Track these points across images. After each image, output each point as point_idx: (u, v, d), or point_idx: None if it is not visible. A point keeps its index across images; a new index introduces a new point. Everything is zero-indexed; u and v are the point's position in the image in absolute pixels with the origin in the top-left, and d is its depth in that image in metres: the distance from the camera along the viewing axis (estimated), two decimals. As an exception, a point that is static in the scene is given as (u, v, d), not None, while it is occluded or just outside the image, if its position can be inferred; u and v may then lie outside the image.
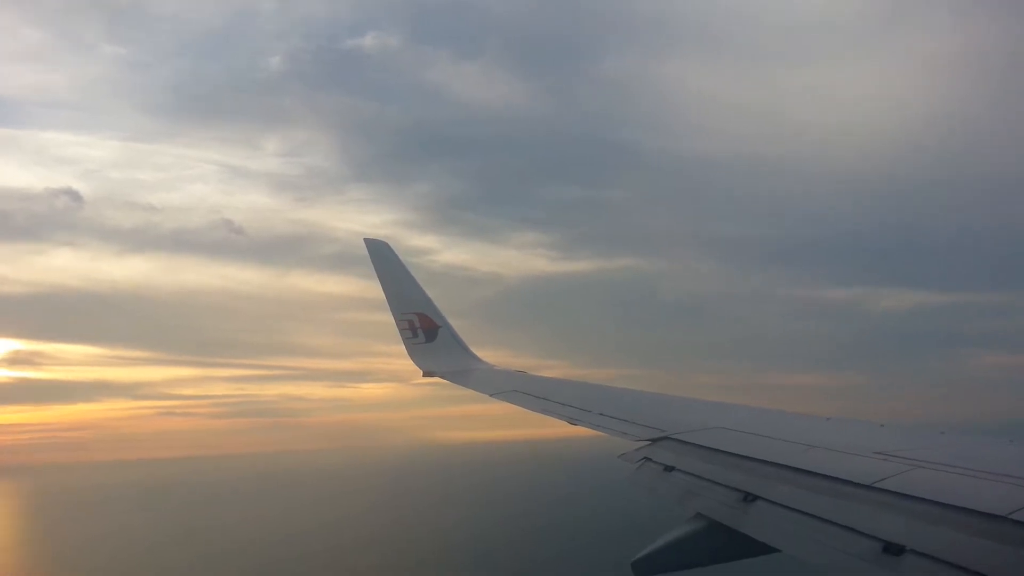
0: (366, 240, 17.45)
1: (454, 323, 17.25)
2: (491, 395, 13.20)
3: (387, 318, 17.03)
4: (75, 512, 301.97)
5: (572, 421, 10.39)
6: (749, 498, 6.06)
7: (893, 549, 4.53)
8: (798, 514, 5.52)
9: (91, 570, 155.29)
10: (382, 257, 17.19)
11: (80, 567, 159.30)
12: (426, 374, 15.90)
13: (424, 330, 16.61)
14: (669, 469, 7.37)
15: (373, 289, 17.04)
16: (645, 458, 7.88)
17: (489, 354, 17.09)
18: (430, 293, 17.35)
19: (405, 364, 16.55)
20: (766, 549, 5.55)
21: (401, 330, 16.63)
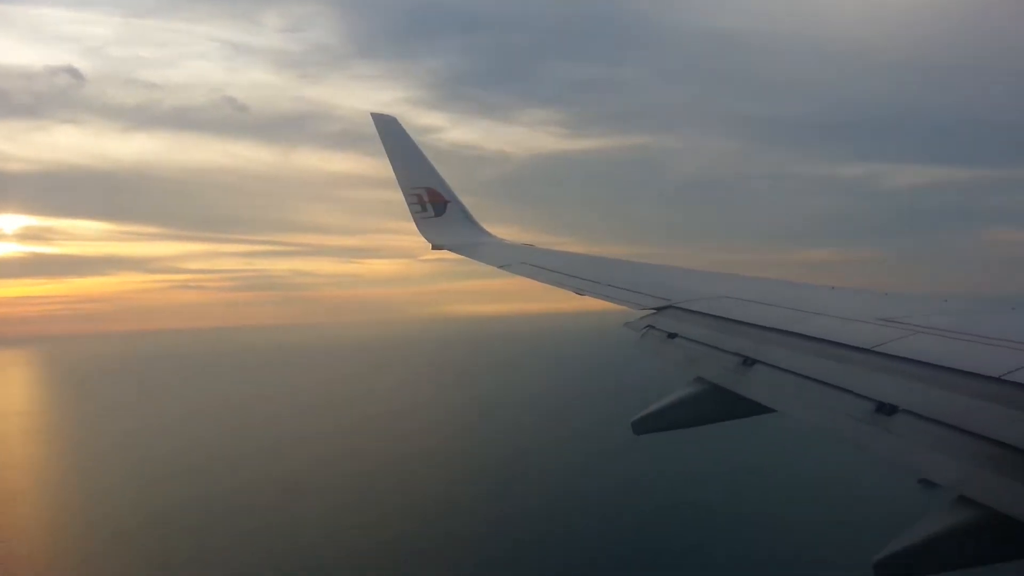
0: (373, 115, 17.17)
1: (462, 201, 17.23)
2: (499, 267, 13.35)
3: (394, 195, 17.04)
4: (92, 379, 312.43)
5: (579, 292, 10.58)
6: (748, 362, 6.26)
7: (886, 409, 4.69)
8: (795, 376, 5.71)
9: (114, 433, 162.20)
10: (390, 132, 16.98)
11: (101, 431, 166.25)
12: (435, 247, 16.03)
13: (433, 204, 16.63)
14: (672, 336, 7.56)
15: (380, 167, 16.89)
16: (649, 326, 8.07)
17: (498, 231, 17.16)
18: (438, 171, 17.28)
19: (413, 240, 16.70)
20: (762, 410, 5.79)
21: (410, 204, 16.65)
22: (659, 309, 8.59)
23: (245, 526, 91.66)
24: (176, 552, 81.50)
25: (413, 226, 16.71)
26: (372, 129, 17.05)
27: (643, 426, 6.42)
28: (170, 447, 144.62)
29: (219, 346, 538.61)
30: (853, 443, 4.70)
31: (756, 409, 5.86)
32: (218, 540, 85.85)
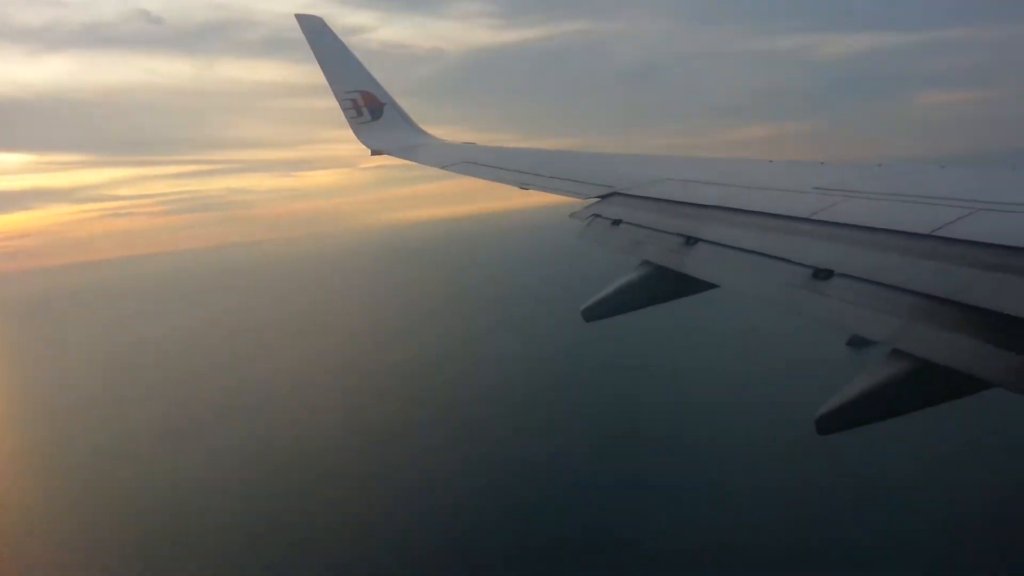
0: (298, 16, 16.35)
1: (399, 103, 16.80)
2: (442, 167, 13.25)
3: (326, 103, 16.51)
4: (32, 317, 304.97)
5: (523, 186, 10.59)
6: (691, 241, 6.44)
7: (822, 274, 4.92)
8: (735, 251, 5.93)
9: (68, 369, 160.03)
10: (317, 34, 16.23)
11: (52, 368, 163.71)
12: (374, 152, 15.72)
13: (369, 108, 16.19)
14: (617, 223, 7.70)
15: (309, 72, 16.30)
16: (594, 215, 8.19)
17: (438, 131, 16.90)
18: (371, 73, 16.69)
19: (351, 148, 16.34)
20: (706, 286, 6.01)
21: (345, 110, 16.18)
22: (603, 197, 8.68)
23: (196, 451, 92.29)
24: (122, 486, 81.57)
25: (350, 134, 16.31)
26: (298, 33, 16.34)
27: (593, 313, 6.65)
28: (126, 379, 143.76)
29: (160, 273, 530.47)
30: (792, 309, 4.91)
31: (700, 286, 6.08)
32: (167, 466, 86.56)
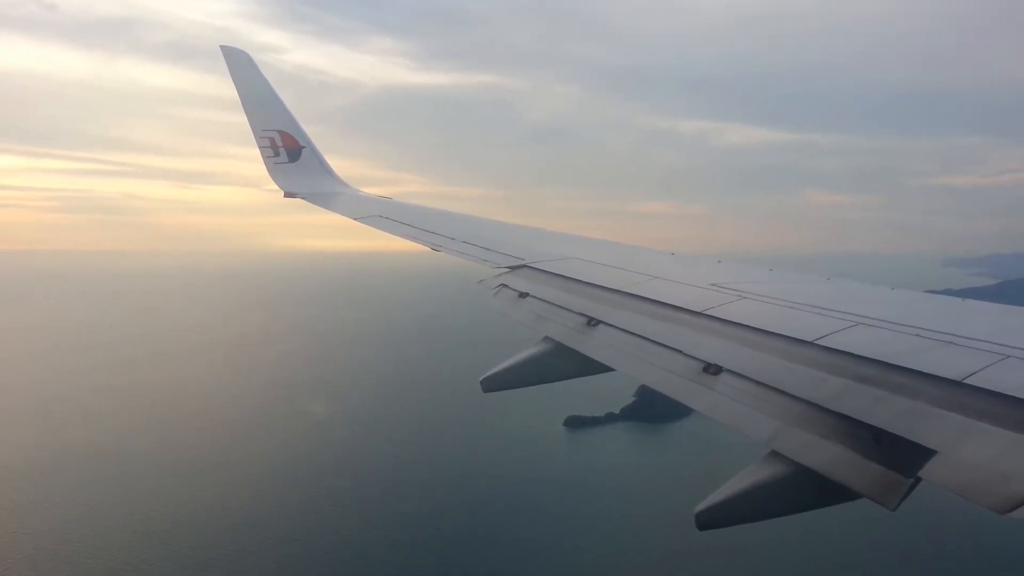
0: (223, 48, 16.07)
1: (309, 130, 16.61)
2: (356, 219, 13.25)
3: (232, 118, 16.32)
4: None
5: (436, 248, 10.76)
6: (593, 323, 6.64)
7: (712, 369, 5.17)
8: (634, 337, 6.15)
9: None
10: (242, 68, 15.95)
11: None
12: (287, 195, 15.51)
13: (287, 149, 15.95)
14: (523, 295, 7.88)
15: (214, 84, 16.01)
16: (502, 285, 8.35)
17: (346, 164, 16.76)
18: (282, 97, 16.47)
19: (258, 169, 16.01)
20: (603, 369, 6.17)
21: (262, 147, 15.91)
22: (512, 268, 8.88)
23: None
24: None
25: (255, 152, 16.01)
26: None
27: (492, 384, 6.69)
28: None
29: (41, 270, 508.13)
30: (682, 400, 5.13)
31: (598, 368, 6.23)
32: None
